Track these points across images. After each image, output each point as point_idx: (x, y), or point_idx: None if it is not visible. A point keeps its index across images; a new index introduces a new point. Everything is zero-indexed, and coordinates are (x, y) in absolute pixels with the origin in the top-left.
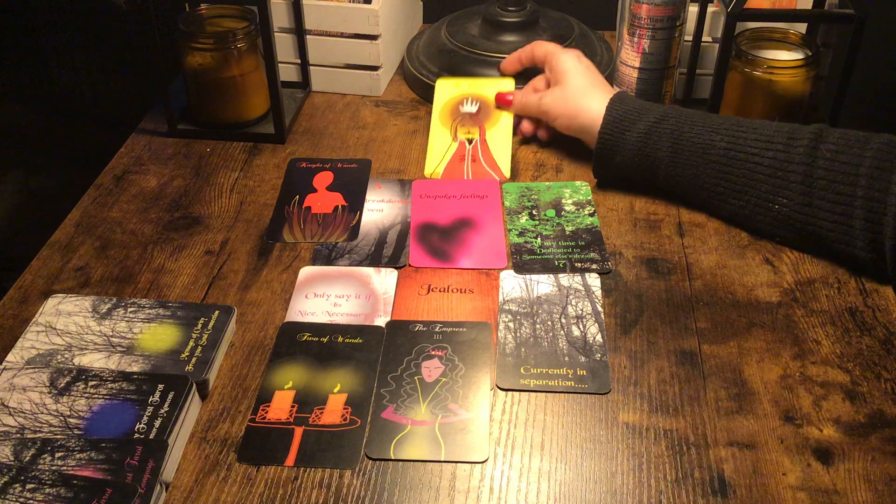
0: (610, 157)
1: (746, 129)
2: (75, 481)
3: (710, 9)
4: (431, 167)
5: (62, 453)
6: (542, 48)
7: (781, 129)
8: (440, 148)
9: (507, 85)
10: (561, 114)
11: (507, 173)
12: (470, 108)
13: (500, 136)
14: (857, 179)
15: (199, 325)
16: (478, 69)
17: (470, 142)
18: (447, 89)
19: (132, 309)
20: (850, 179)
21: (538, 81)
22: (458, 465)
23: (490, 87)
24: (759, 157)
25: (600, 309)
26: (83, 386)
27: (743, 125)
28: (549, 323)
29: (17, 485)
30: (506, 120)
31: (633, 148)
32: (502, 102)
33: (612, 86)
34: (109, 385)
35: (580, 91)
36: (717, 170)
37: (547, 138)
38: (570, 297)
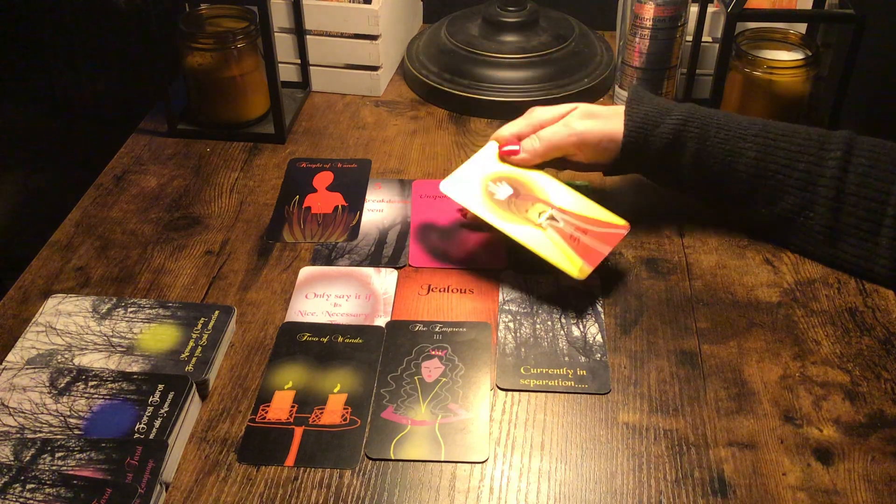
0: (632, 161)
1: (776, 137)
2: (75, 481)
3: (710, 9)
4: (576, 268)
5: (62, 453)
6: (537, 114)
7: (811, 138)
8: (548, 247)
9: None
10: (593, 127)
11: (620, 218)
12: (505, 189)
13: (566, 195)
14: (888, 198)
15: (199, 326)
16: (478, 69)
17: (553, 219)
18: (464, 185)
19: (132, 309)
20: (881, 197)
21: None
22: (458, 465)
23: (489, 160)
24: (790, 168)
25: (600, 309)
26: (83, 386)
27: (771, 132)
28: (549, 323)
29: (17, 485)
30: (544, 179)
31: (655, 154)
32: (510, 154)
33: (612, 87)
34: (109, 385)
35: (596, 108)
36: (743, 179)
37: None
38: (570, 296)
